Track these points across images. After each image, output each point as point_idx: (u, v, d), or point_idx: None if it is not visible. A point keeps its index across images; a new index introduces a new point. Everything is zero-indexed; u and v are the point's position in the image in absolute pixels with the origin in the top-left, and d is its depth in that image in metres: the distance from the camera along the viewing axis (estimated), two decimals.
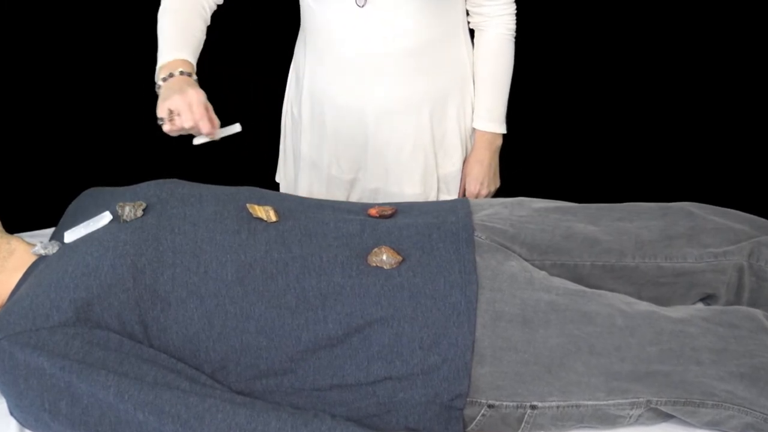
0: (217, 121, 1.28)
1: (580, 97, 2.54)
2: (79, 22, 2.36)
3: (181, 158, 2.10)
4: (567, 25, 2.47)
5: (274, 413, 1.07)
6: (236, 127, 1.29)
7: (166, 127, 1.26)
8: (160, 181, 1.35)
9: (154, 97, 1.30)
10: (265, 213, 1.25)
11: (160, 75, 1.32)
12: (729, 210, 1.39)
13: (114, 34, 2.35)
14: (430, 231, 1.25)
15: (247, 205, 1.27)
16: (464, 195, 1.71)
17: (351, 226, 1.26)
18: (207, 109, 1.25)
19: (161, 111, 1.26)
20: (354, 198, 1.68)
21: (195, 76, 1.34)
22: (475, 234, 1.27)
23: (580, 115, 2.57)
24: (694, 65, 2.50)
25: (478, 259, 1.21)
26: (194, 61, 1.38)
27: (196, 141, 1.27)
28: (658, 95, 2.54)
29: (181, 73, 1.31)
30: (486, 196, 1.70)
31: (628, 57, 2.51)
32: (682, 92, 2.52)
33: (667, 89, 2.53)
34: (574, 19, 2.46)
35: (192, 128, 1.24)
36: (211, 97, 1.28)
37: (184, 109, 1.24)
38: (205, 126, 1.24)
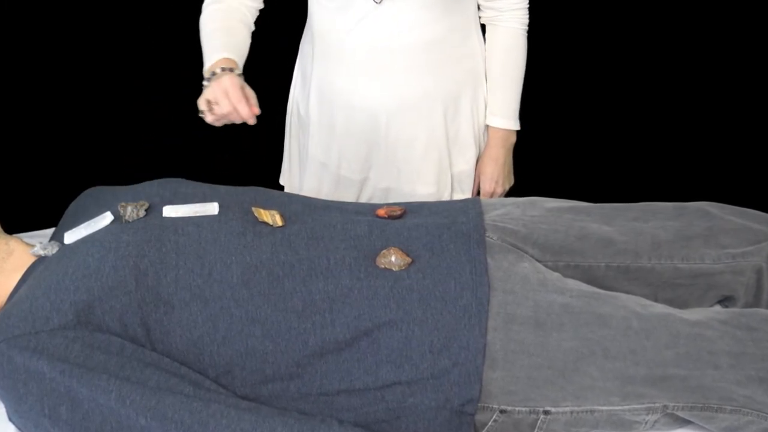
0: (253, 99, 1.31)
1: (594, 94, 2.54)
2: (80, 22, 2.36)
3: (183, 158, 2.09)
4: (584, 21, 2.45)
5: (279, 419, 1.05)
6: (214, 208, 1.26)
7: (209, 118, 1.31)
8: (163, 180, 1.34)
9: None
10: (271, 217, 1.24)
11: (205, 77, 1.36)
12: (747, 210, 1.38)
13: (115, 34, 2.35)
14: (440, 232, 1.23)
15: (253, 209, 1.26)
16: (478, 193, 1.69)
17: (359, 227, 1.24)
18: (243, 89, 1.29)
19: (201, 103, 1.32)
20: (364, 198, 1.66)
21: (239, 71, 1.37)
22: (487, 235, 1.25)
23: (594, 113, 2.56)
24: (712, 65, 2.49)
25: (489, 260, 1.19)
26: (239, 60, 1.41)
27: (167, 213, 1.24)
28: (675, 93, 2.53)
29: (222, 69, 1.33)
30: (501, 195, 1.68)
31: (643, 55, 2.51)
32: (699, 91, 2.51)
33: (685, 88, 2.52)
34: (592, 15, 2.45)
35: (231, 113, 1.29)
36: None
37: (220, 96, 1.29)
38: (243, 109, 1.28)
